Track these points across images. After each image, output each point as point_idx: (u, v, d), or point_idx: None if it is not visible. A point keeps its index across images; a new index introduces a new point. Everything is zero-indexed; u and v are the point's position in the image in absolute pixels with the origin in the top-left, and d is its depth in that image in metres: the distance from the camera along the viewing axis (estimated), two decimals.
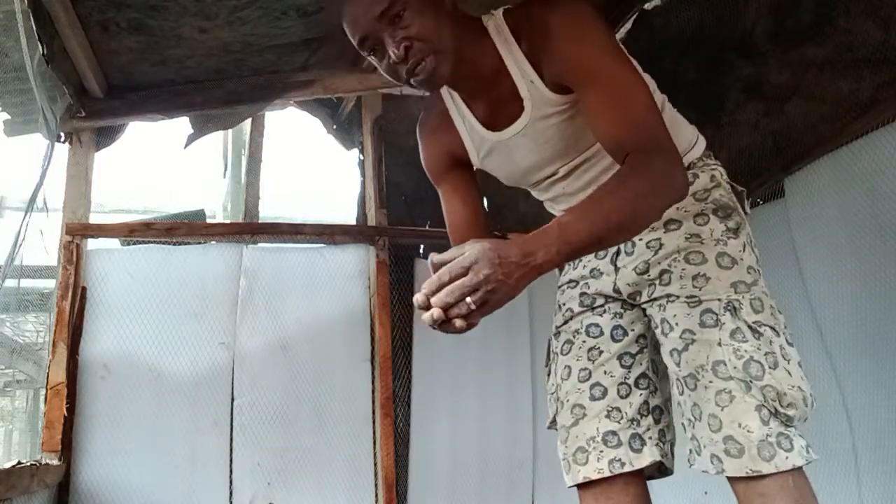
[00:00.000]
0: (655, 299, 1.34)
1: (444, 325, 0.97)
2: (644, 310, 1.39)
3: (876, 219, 2.27)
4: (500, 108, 1.32)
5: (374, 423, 2.97)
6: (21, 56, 2.23)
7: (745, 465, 1.17)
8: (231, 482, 2.77)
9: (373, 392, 3.00)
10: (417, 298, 0.99)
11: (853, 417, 2.27)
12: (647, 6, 2.88)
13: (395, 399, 3.00)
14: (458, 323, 0.97)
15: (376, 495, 2.89)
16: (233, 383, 2.84)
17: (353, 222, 3.36)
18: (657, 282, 1.33)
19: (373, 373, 3.01)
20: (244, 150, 4.23)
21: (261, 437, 2.82)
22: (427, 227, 3.41)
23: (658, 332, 1.33)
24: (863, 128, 2.35)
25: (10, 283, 2.79)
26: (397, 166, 3.44)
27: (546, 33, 1.22)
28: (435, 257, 1.01)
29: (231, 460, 2.78)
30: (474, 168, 1.47)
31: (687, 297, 1.28)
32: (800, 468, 1.17)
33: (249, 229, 3.07)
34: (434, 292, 0.96)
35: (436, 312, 0.96)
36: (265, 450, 2.81)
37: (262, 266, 2.97)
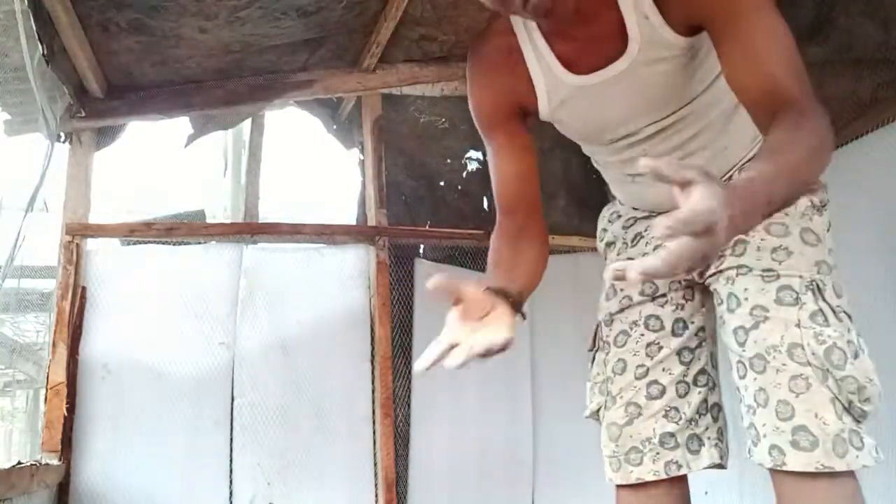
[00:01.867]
0: (723, 271, 1.21)
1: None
2: (705, 293, 1.31)
3: (875, 218, 2.27)
4: (592, 47, 1.15)
5: (374, 423, 2.96)
6: (21, 56, 2.23)
7: (816, 460, 1.06)
8: (231, 482, 2.76)
9: (373, 392, 3.00)
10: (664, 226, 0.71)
11: None
12: None
13: (395, 399, 3.00)
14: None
15: (376, 495, 2.89)
16: (233, 383, 2.84)
17: (353, 222, 3.35)
18: (728, 251, 1.20)
19: (373, 373, 3.01)
20: (244, 150, 4.23)
21: (261, 437, 2.81)
22: (427, 227, 3.41)
23: (723, 307, 1.21)
24: (863, 128, 2.36)
25: (10, 283, 2.79)
26: (397, 166, 3.44)
27: None
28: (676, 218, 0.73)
29: (231, 460, 2.78)
30: (541, 117, 1.27)
31: (763, 271, 1.15)
32: (856, 477, 1.09)
33: (249, 229, 3.07)
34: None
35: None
36: (265, 450, 2.81)
37: (262, 266, 2.97)
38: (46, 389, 2.60)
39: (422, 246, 3.35)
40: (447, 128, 3.47)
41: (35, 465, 2.22)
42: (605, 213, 1.52)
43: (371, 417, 2.97)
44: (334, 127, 3.50)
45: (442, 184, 3.60)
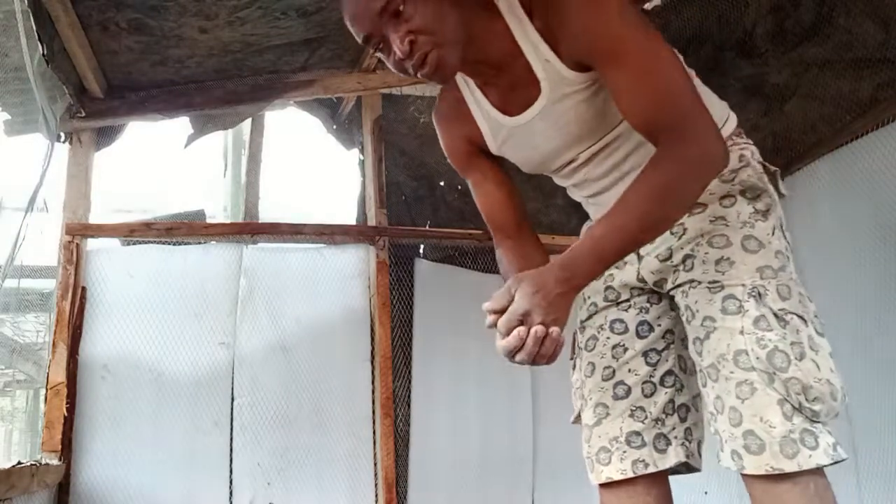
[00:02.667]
0: (679, 286, 1.28)
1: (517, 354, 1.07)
2: (672, 299, 1.35)
3: (875, 218, 2.27)
4: (515, 91, 1.27)
5: (374, 423, 2.97)
6: (21, 56, 2.23)
7: (765, 463, 1.11)
8: (231, 482, 2.77)
9: (373, 392, 3.00)
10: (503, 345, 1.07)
11: (853, 417, 2.27)
12: (647, 6, 2.88)
13: (395, 399, 3.00)
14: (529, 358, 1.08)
15: (376, 495, 2.90)
16: (233, 383, 2.84)
17: (353, 222, 3.36)
18: (681, 267, 1.28)
19: (373, 373, 3.01)
20: (244, 150, 4.23)
21: (261, 437, 2.82)
22: (427, 227, 3.41)
23: (684, 319, 1.28)
24: (863, 128, 2.36)
25: (10, 283, 2.79)
26: (397, 166, 3.44)
27: (560, 7, 1.15)
28: (485, 306, 1.07)
29: (231, 460, 2.78)
30: (494, 154, 1.42)
31: (709, 283, 1.22)
32: (823, 474, 1.11)
33: (249, 229, 3.07)
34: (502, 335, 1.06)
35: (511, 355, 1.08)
36: (265, 450, 2.81)
37: (262, 266, 2.97)
38: (46, 389, 2.60)
39: (422, 246, 3.35)
40: None
41: (35, 465, 2.21)
42: (584, 228, 1.58)
43: (371, 417, 2.97)
44: (334, 127, 3.50)
45: (442, 184, 3.60)
